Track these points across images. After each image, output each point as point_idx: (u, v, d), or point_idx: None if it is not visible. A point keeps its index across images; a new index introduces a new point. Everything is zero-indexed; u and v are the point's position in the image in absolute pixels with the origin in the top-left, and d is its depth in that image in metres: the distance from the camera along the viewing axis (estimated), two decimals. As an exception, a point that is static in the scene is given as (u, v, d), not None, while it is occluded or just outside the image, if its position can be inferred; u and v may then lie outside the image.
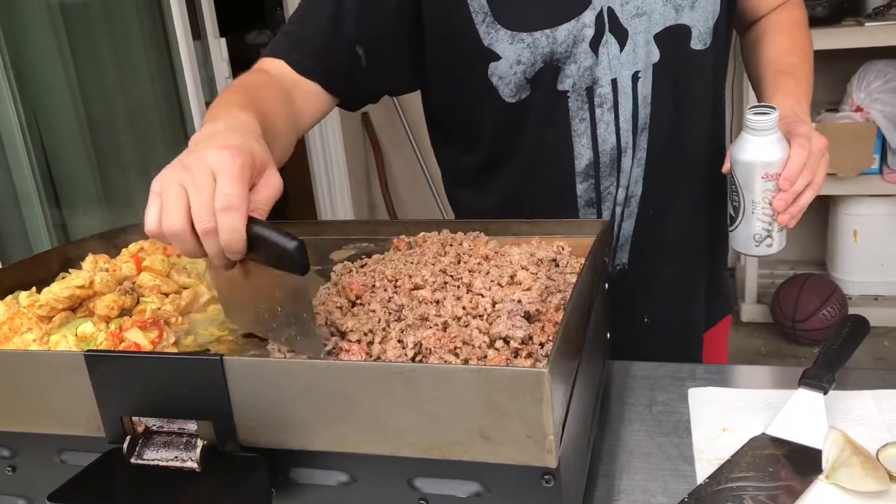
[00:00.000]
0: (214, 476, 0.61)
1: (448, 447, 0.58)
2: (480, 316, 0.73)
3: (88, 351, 0.64)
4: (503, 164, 1.06)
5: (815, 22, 2.58)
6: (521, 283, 0.79)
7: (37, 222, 1.91)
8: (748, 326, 3.04)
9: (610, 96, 0.98)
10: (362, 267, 0.86)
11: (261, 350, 0.75)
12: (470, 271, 0.82)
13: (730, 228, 0.97)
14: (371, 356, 0.69)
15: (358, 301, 0.79)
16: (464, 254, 0.86)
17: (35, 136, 1.90)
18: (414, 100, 1.11)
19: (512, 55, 0.96)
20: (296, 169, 3.08)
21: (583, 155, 1.01)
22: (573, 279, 0.80)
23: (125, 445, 0.62)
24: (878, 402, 0.84)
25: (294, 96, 0.94)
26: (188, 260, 0.90)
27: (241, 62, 1.74)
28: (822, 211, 3.04)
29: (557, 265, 0.84)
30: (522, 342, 0.68)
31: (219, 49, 2.52)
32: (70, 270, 0.90)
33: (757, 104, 0.93)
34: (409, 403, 0.57)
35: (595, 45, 0.96)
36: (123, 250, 0.93)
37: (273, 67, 0.96)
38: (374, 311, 0.75)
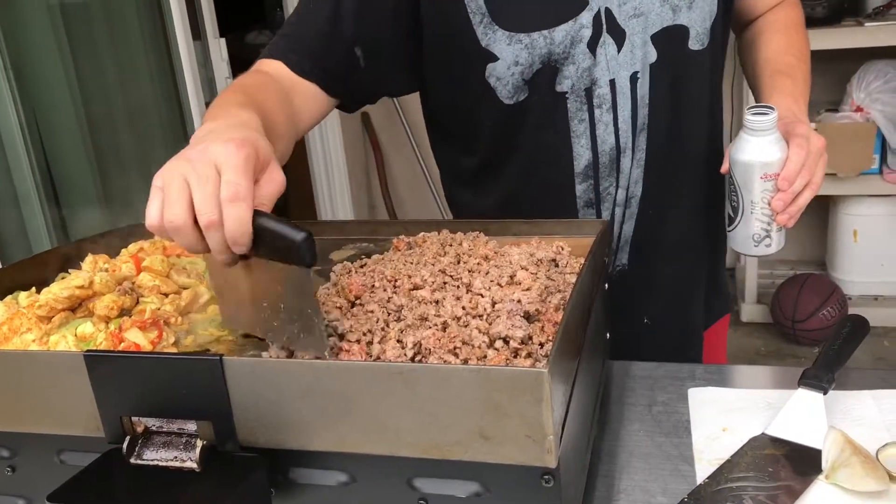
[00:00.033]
0: (214, 476, 0.61)
1: (448, 447, 0.58)
2: (480, 316, 0.73)
3: (88, 351, 0.63)
4: (502, 165, 1.06)
5: (814, 22, 2.59)
6: (520, 284, 0.79)
7: (37, 222, 1.91)
8: (748, 326, 3.04)
9: (608, 97, 0.98)
10: (362, 267, 0.86)
11: (260, 350, 0.75)
12: (469, 271, 0.82)
13: (728, 228, 0.97)
14: (370, 356, 0.69)
15: (357, 301, 0.78)
16: (463, 254, 0.86)
17: (35, 136, 1.90)
18: (414, 100, 1.11)
19: (510, 56, 0.96)
20: (296, 169, 3.08)
21: (582, 156, 1.01)
22: (573, 279, 0.80)
23: (125, 445, 0.62)
24: (878, 402, 0.84)
25: (292, 97, 0.94)
26: (188, 260, 0.90)
27: (240, 62, 1.74)
28: (822, 211, 3.04)
29: (557, 265, 0.84)
30: (522, 342, 0.68)
31: (218, 49, 2.52)
32: (70, 270, 0.90)
33: (755, 104, 0.94)
34: (408, 403, 0.57)
35: (593, 45, 0.96)
36: (123, 250, 0.93)
37: (271, 69, 0.96)
38: (373, 311, 0.75)
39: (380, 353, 0.69)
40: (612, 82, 0.97)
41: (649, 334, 1.12)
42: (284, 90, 0.93)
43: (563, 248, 0.86)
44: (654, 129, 1.01)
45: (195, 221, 0.63)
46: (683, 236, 1.10)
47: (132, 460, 0.62)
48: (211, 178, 0.63)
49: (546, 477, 0.57)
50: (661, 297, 1.11)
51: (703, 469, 0.77)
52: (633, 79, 0.98)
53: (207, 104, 2.24)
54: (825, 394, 0.81)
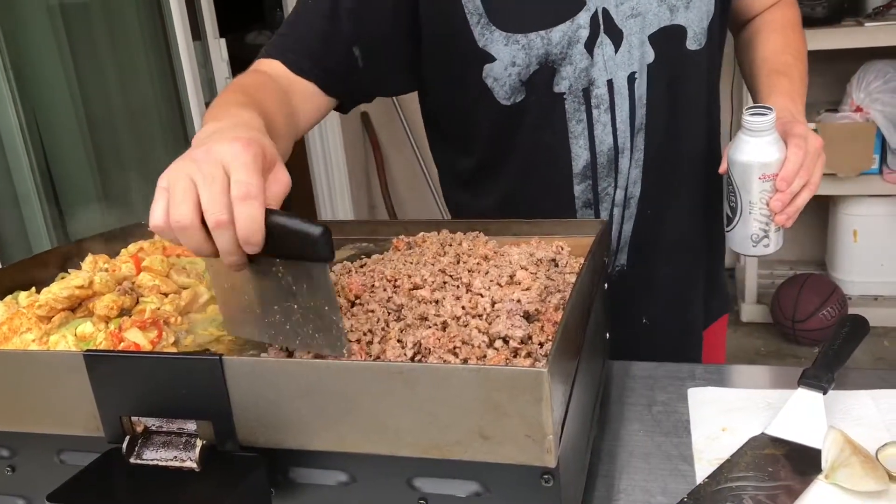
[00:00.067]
0: (214, 476, 0.61)
1: (447, 447, 0.58)
2: (480, 316, 0.73)
3: (88, 351, 0.64)
4: (500, 166, 1.06)
5: (814, 22, 2.59)
6: (520, 283, 0.79)
7: (37, 222, 1.91)
8: (748, 326, 3.04)
9: (606, 97, 0.98)
10: (361, 267, 0.86)
11: (260, 350, 0.75)
12: (469, 271, 0.82)
13: (727, 229, 0.97)
14: (370, 356, 0.69)
15: (357, 301, 0.79)
16: (463, 254, 0.86)
17: (35, 137, 1.90)
18: (414, 99, 1.11)
19: (507, 57, 0.96)
20: (296, 169, 3.06)
21: (580, 156, 1.01)
22: (572, 279, 0.80)
23: (124, 445, 0.62)
24: (878, 401, 0.84)
25: (291, 97, 0.93)
26: (188, 260, 0.90)
27: (240, 63, 1.74)
28: (822, 211, 3.04)
29: (557, 265, 0.84)
30: (522, 342, 0.69)
31: (218, 49, 2.52)
32: (69, 270, 0.90)
33: (753, 105, 0.94)
34: (408, 403, 0.57)
35: (590, 46, 0.96)
36: (123, 250, 0.93)
37: (270, 68, 0.96)
38: (373, 310, 0.75)
39: (380, 353, 0.69)
40: (610, 83, 0.97)
41: (648, 334, 1.12)
42: (283, 90, 0.93)
43: (562, 248, 0.86)
44: (652, 129, 1.01)
45: (202, 222, 0.62)
46: (682, 236, 1.10)
47: (132, 460, 0.62)
48: (218, 178, 0.62)
49: (546, 476, 0.57)
50: (660, 298, 1.11)
51: (703, 469, 0.77)
52: (631, 79, 0.98)
53: (207, 104, 2.24)
54: (825, 394, 0.81)
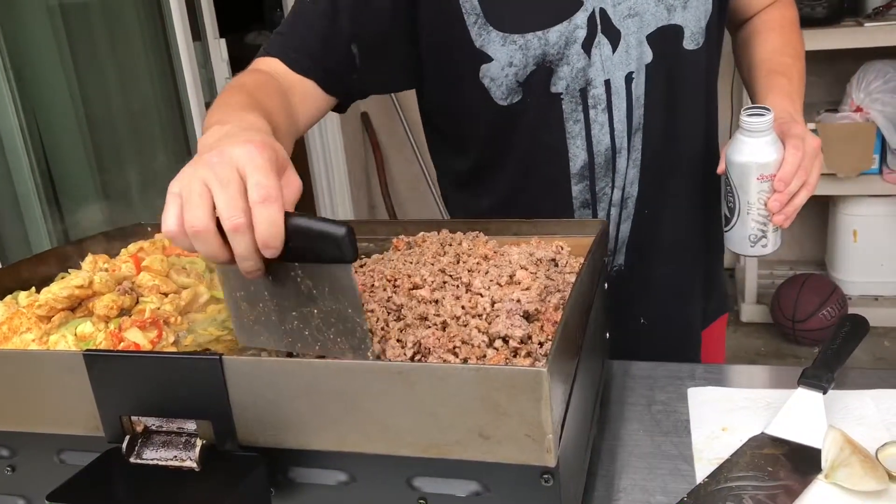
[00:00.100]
0: (213, 475, 0.61)
1: (447, 446, 0.58)
2: (479, 315, 0.73)
3: (87, 351, 0.64)
4: (497, 167, 1.06)
5: (814, 22, 2.59)
6: (520, 283, 0.79)
7: (37, 222, 1.91)
8: (748, 326, 3.04)
9: (604, 97, 0.98)
10: (361, 267, 0.86)
11: (260, 350, 0.75)
12: (469, 271, 0.82)
13: (725, 229, 0.97)
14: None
15: (357, 301, 0.79)
16: (463, 253, 0.86)
17: (35, 137, 1.90)
18: (414, 100, 1.11)
19: (504, 57, 0.95)
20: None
21: (577, 156, 1.01)
22: (572, 279, 0.80)
23: (124, 445, 0.62)
24: (878, 401, 0.84)
25: (291, 96, 0.93)
26: (188, 260, 0.90)
27: (240, 63, 1.74)
28: (822, 211, 3.04)
29: (556, 265, 0.84)
30: (521, 341, 0.69)
31: (218, 50, 2.52)
32: (69, 270, 0.90)
33: (751, 105, 0.94)
34: (408, 403, 0.57)
35: (587, 46, 0.96)
36: (123, 250, 0.93)
37: (269, 67, 0.95)
38: (373, 310, 0.75)
39: (379, 353, 0.69)
40: (608, 83, 0.97)
41: (647, 334, 1.12)
42: (283, 89, 0.92)
43: (562, 248, 0.86)
44: (650, 129, 1.01)
45: (218, 227, 0.60)
46: (680, 236, 1.10)
47: (132, 460, 0.62)
48: (234, 181, 0.60)
49: (545, 476, 0.57)
50: (659, 298, 1.11)
51: (703, 468, 0.77)
52: (629, 79, 0.98)
53: (207, 105, 2.24)
54: (825, 393, 0.81)
